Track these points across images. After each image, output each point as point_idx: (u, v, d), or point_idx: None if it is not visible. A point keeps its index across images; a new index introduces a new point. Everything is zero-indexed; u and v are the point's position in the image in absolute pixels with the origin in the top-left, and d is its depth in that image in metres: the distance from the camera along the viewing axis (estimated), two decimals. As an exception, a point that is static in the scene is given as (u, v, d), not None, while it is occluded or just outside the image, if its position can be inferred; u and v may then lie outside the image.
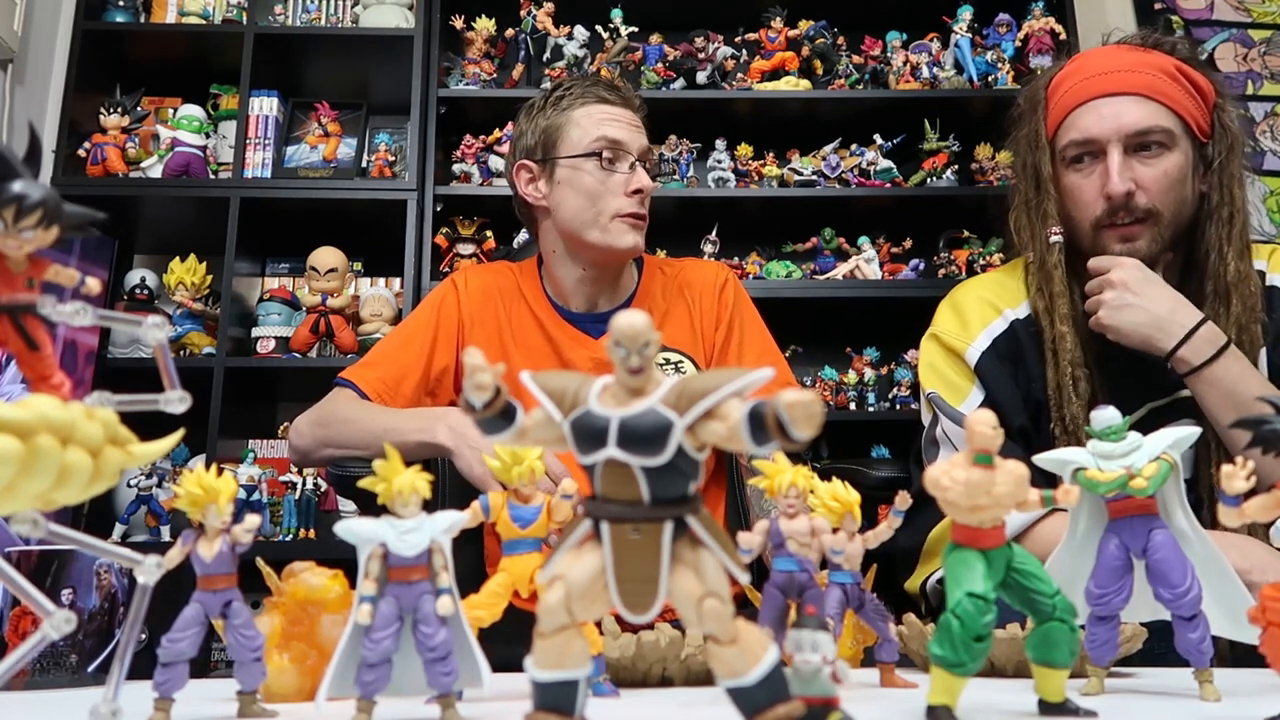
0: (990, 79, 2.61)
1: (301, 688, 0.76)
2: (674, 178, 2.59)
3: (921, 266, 2.63)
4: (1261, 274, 1.33)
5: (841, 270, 2.57)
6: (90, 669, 0.94)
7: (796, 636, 0.52)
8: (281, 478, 2.47)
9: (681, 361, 1.50)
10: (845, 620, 0.81)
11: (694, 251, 2.56)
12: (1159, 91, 1.28)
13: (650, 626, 0.74)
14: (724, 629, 0.45)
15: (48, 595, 0.55)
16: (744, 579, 0.47)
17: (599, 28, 2.60)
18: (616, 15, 2.59)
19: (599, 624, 0.79)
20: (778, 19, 2.65)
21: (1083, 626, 0.70)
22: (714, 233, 2.57)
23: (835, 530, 0.77)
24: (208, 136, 2.63)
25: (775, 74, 2.63)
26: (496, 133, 2.64)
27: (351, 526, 0.63)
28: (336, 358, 2.42)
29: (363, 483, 0.65)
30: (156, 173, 2.53)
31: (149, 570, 0.59)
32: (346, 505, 2.43)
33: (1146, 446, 0.72)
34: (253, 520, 0.67)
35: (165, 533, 2.32)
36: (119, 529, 2.31)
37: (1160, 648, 0.84)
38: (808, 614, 0.53)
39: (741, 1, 2.70)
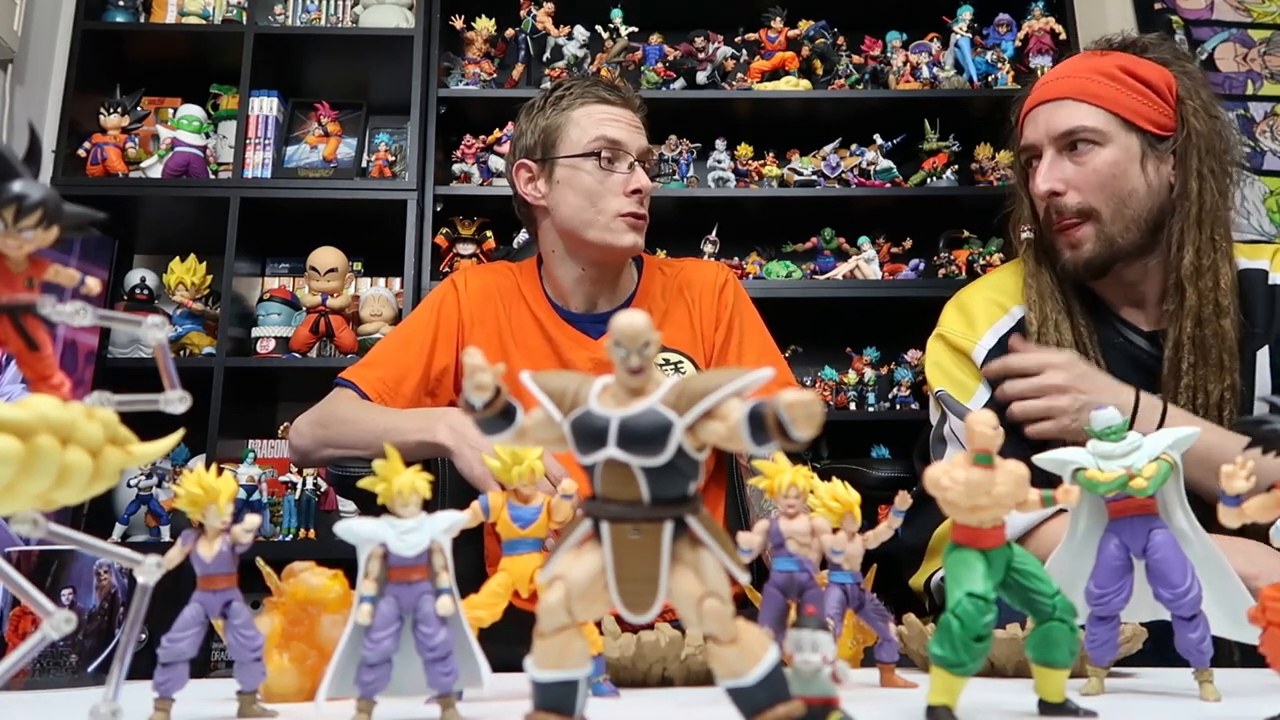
0: (990, 79, 2.61)
1: (301, 688, 0.76)
2: (674, 178, 2.59)
3: (921, 266, 2.63)
4: (1264, 273, 1.33)
5: (841, 270, 2.57)
6: (90, 669, 0.94)
7: (796, 636, 0.52)
8: (281, 478, 2.47)
9: (681, 362, 1.50)
10: (845, 620, 0.81)
11: (694, 251, 2.56)
12: (1089, 93, 1.31)
13: (650, 626, 0.74)
14: (724, 629, 0.45)
15: (48, 595, 0.55)
16: (744, 579, 0.47)
17: (599, 28, 2.60)
18: (616, 15, 2.59)
19: (599, 624, 0.79)
20: (778, 19, 2.65)
21: (1083, 626, 0.70)
22: (714, 233, 2.57)
23: (835, 530, 0.77)
24: (208, 136, 2.63)
25: (775, 74, 2.63)
26: (496, 133, 2.64)
27: (351, 526, 0.63)
28: (336, 358, 2.42)
29: (363, 483, 0.65)
30: (156, 173, 2.52)
31: (149, 570, 0.59)
32: (346, 505, 2.43)
33: (1146, 446, 0.72)
34: (253, 520, 0.67)
35: (165, 533, 2.32)
36: (119, 529, 2.31)
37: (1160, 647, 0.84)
38: (808, 614, 0.53)
39: (741, 1, 2.70)
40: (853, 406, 2.54)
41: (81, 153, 2.49)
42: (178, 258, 2.50)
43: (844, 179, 2.61)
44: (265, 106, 2.61)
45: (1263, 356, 1.28)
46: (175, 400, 0.57)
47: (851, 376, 2.57)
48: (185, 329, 2.45)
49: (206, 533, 0.66)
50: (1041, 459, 0.76)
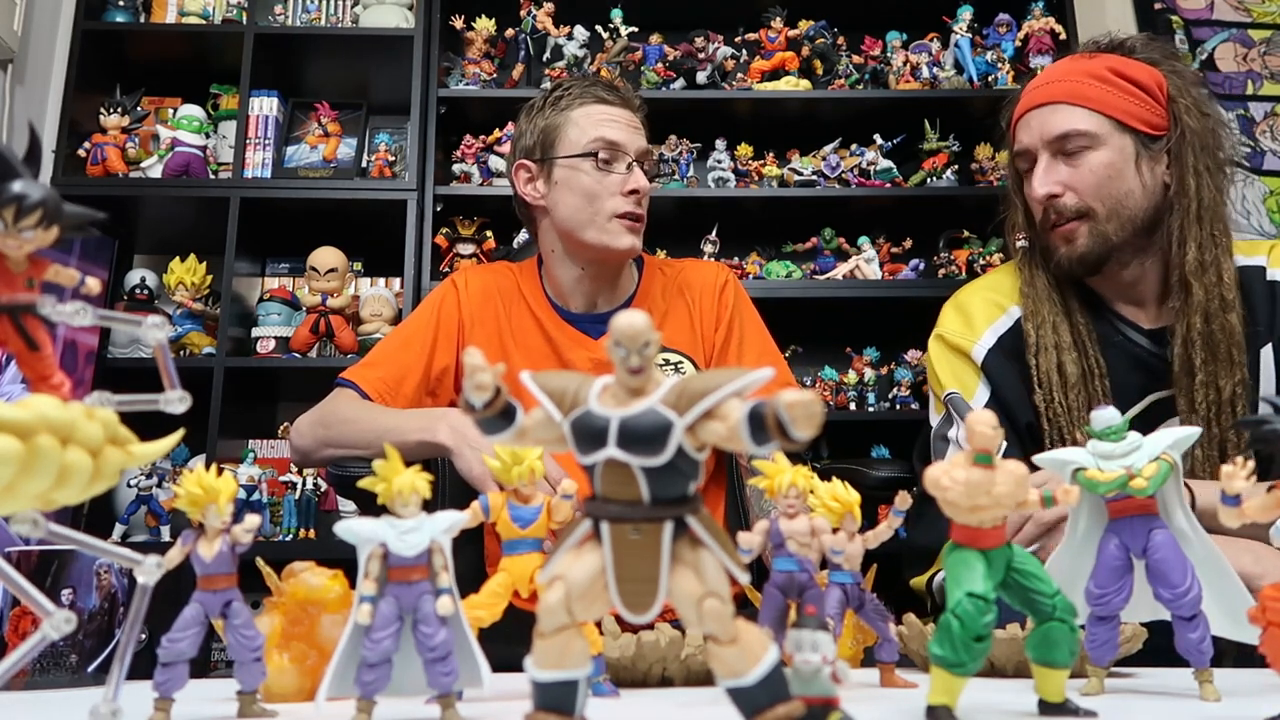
0: (990, 79, 2.61)
1: (301, 688, 0.76)
2: (674, 178, 2.59)
3: (921, 266, 2.63)
4: (1261, 269, 1.33)
5: (841, 270, 2.57)
6: (90, 669, 0.94)
7: (796, 636, 0.52)
8: (281, 478, 2.47)
9: (681, 362, 1.50)
10: (845, 620, 0.81)
11: (694, 251, 2.56)
12: (1081, 96, 1.32)
13: (650, 626, 0.74)
14: (724, 629, 0.45)
15: (48, 595, 0.55)
16: (744, 579, 0.47)
17: (599, 28, 2.60)
18: (616, 15, 2.59)
19: (599, 624, 0.79)
20: (778, 19, 2.65)
21: (1083, 626, 0.70)
22: (714, 233, 2.57)
23: (835, 530, 0.77)
24: (208, 136, 2.63)
25: (775, 74, 2.62)
26: (496, 133, 2.64)
27: (351, 526, 0.63)
28: (336, 358, 2.42)
29: (363, 483, 0.65)
30: (156, 173, 2.52)
31: (149, 570, 0.59)
32: (346, 505, 2.43)
33: (1146, 446, 0.72)
34: (253, 520, 0.67)
35: (165, 533, 2.32)
36: (119, 529, 2.31)
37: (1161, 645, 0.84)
38: (808, 614, 0.53)
39: (741, 1, 2.70)
40: (853, 406, 2.54)
41: (81, 153, 2.49)
42: (178, 258, 2.50)
43: (844, 179, 2.61)
44: (265, 106, 2.61)
45: (1267, 354, 1.29)
46: (175, 400, 0.57)
47: (851, 376, 2.57)
48: (185, 329, 2.45)
49: (206, 533, 0.66)
50: (1041, 459, 0.76)
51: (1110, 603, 0.72)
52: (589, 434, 0.46)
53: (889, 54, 2.70)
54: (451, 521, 0.63)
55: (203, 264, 2.50)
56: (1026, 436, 1.29)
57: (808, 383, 2.58)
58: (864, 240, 2.61)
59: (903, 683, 0.80)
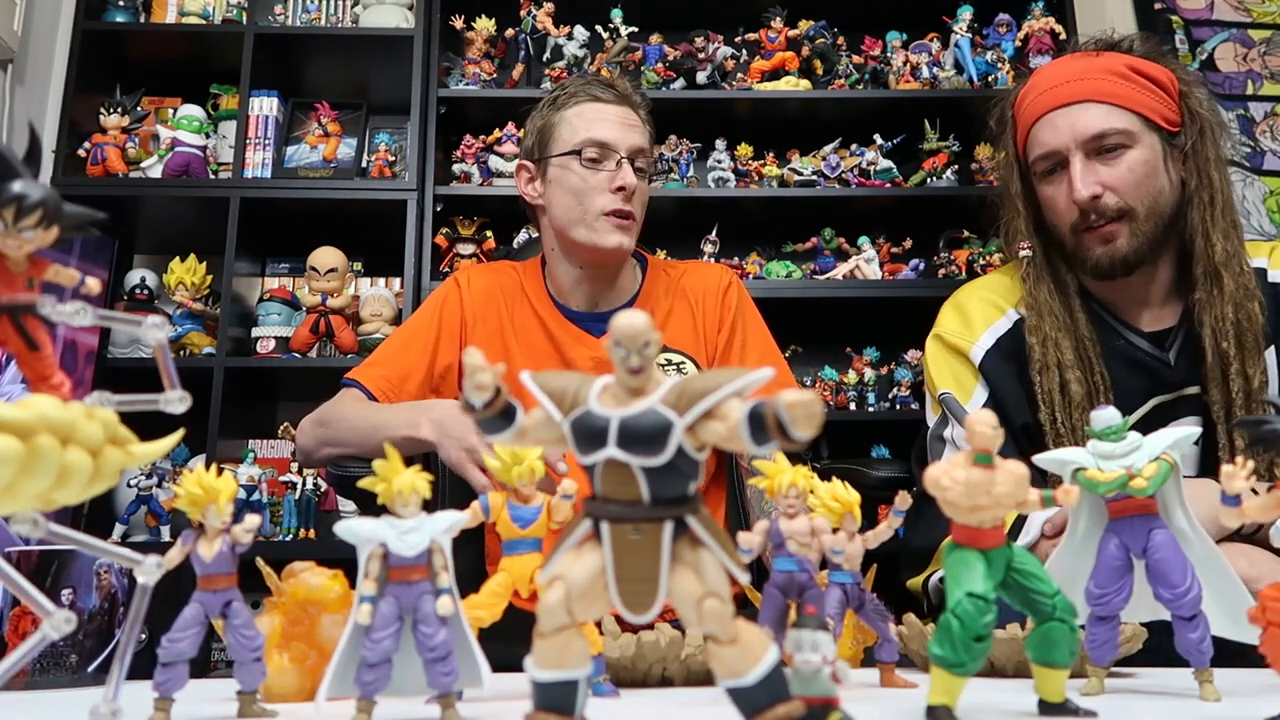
0: (990, 79, 2.61)
1: (301, 688, 0.76)
2: (674, 178, 2.59)
3: (921, 266, 2.63)
4: (1263, 271, 1.33)
5: (841, 270, 2.57)
6: (90, 669, 0.94)
7: (796, 636, 0.52)
8: (281, 478, 2.47)
9: (684, 363, 1.50)
10: (845, 620, 0.81)
11: (694, 251, 2.56)
12: (1109, 93, 1.30)
13: (650, 626, 0.74)
14: (724, 629, 0.45)
15: (48, 595, 0.55)
16: (744, 579, 0.47)
17: (599, 28, 2.60)
18: (616, 15, 2.59)
19: (599, 624, 0.79)
20: (778, 19, 2.65)
21: (1083, 626, 0.70)
22: (714, 233, 2.57)
23: (835, 530, 0.77)
24: (208, 136, 2.63)
25: (775, 74, 2.62)
26: (496, 133, 2.64)
27: (351, 526, 0.63)
28: (336, 358, 2.42)
29: (363, 483, 0.65)
30: (156, 173, 2.52)
31: (149, 570, 0.59)
32: (346, 505, 2.43)
33: (1146, 446, 0.72)
34: (253, 520, 0.67)
35: (165, 533, 2.32)
36: (119, 529, 2.31)
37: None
38: (808, 614, 0.53)
39: (741, 1, 2.70)
40: (853, 406, 2.54)
41: (81, 153, 2.49)
42: (178, 258, 2.50)
43: (844, 179, 2.61)
44: (265, 106, 2.61)
45: (1270, 356, 1.28)
46: (175, 400, 0.57)
47: (851, 376, 2.57)
48: (185, 329, 2.45)
49: (206, 533, 0.66)
50: (1042, 459, 0.76)
51: (1110, 603, 0.72)
52: (589, 434, 0.46)
53: (889, 54, 2.70)
54: (451, 521, 0.63)
55: (203, 264, 2.50)
56: (1023, 438, 1.28)
57: (808, 383, 2.58)
58: (864, 240, 2.61)
59: (903, 683, 0.80)
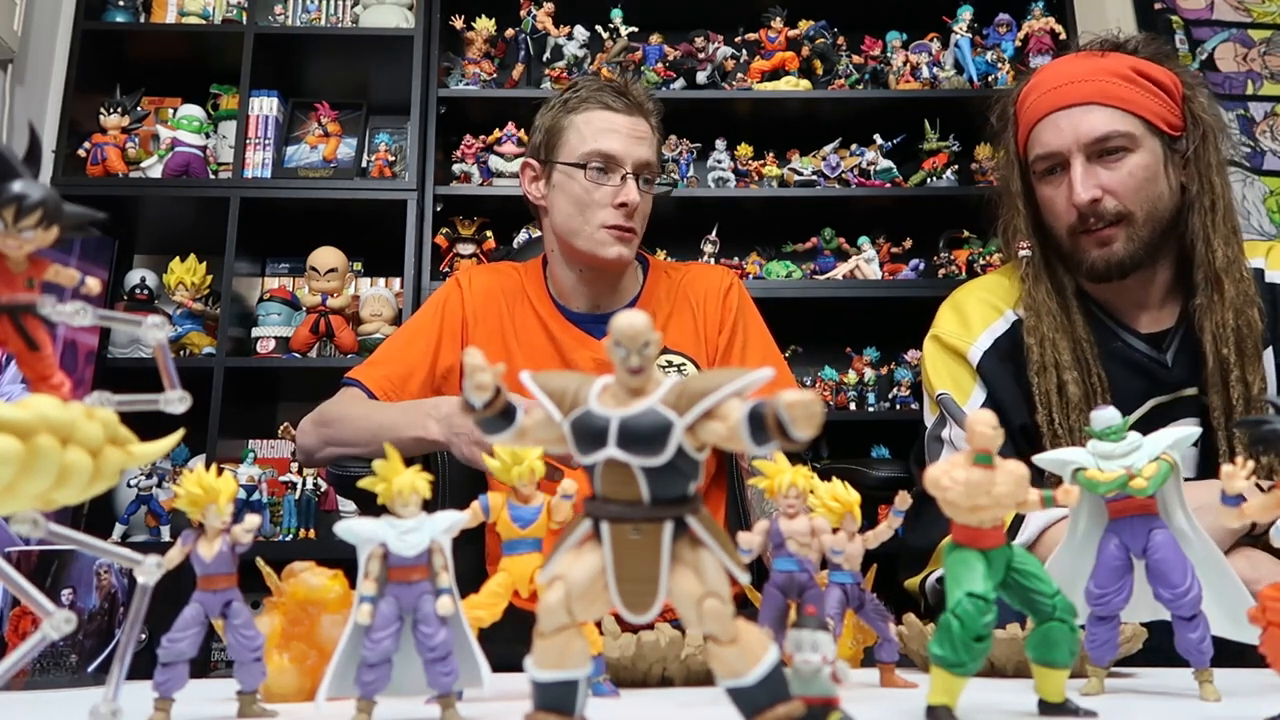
0: (990, 79, 2.61)
1: (301, 688, 0.76)
2: (675, 179, 2.59)
3: (921, 266, 2.63)
4: (1260, 271, 1.33)
5: (841, 270, 2.57)
6: (90, 669, 0.94)
7: (796, 636, 0.52)
8: (281, 478, 2.47)
9: (684, 364, 1.50)
10: (845, 620, 0.81)
11: (694, 251, 2.56)
12: (1113, 96, 1.29)
13: (650, 626, 0.74)
14: (724, 629, 0.45)
15: (48, 595, 0.55)
16: (744, 579, 0.47)
17: (599, 28, 2.60)
18: (616, 15, 2.59)
19: (599, 624, 0.79)
20: (778, 19, 2.65)
21: (1083, 626, 0.70)
22: (714, 233, 2.57)
23: (835, 530, 0.77)
24: (208, 136, 2.63)
25: (775, 74, 2.62)
26: (496, 133, 2.64)
27: (351, 526, 0.63)
28: (336, 358, 2.42)
29: (363, 483, 0.65)
30: (156, 173, 2.52)
31: (149, 570, 0.59)
32: (346, 505, 2.43)
33: (1146, 446, 0.72)
34: (253, 520, 0.67)
35: (165, 533, 2.32)
36: (119, 529, 2.31)
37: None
38: (808, 614, 0.53)
39: (741, 1, 2.70)
40: (853, 406, 2.54)
41: (81, 153, 2.49)
42: (178, 258, 2.50)
43: (844, 179, 2.61)
44: (265, 106, 2.61)
45: (1268, 357, 1.28)
46: (175, 400, 0.57)
47: (851, 376, 2.57)
48: (185, 329, 2.45)
49: (206, 533, 0.66)
50: (1042, 459, 0.76)
51: (1110, 603, 0.72)
52: (589, 434, 0.46)
53: (889, 54, 2.70)
54: (451, 521, 0.63)
55: (203, 264, 2.50)
56: (1021, 439, 1.28)
57: (808, 383, 2.58)
58: (864, 240, 2.61)
59: (903, 683, 0.80)
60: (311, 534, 2.40)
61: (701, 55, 2.62)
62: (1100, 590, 0.72)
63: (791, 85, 2.59)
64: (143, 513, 2.33)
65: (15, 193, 0.50)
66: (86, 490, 0.50)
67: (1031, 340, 1.31)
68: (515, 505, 0.76)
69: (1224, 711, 0.65)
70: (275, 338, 2.46)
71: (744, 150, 2.65)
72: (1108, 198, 1.28)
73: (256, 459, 2.45)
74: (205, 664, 1.59)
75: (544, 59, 2.64)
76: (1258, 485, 0.61)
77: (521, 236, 2.53)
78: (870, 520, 0.81)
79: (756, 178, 2.63)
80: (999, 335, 1.36)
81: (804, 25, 2.67)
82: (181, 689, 0.64)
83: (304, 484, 2.43)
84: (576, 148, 1.47)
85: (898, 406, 2.52)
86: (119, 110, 2.52)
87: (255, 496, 2.35)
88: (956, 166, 2.63)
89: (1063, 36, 2.58)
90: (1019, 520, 1.15)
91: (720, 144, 2.63)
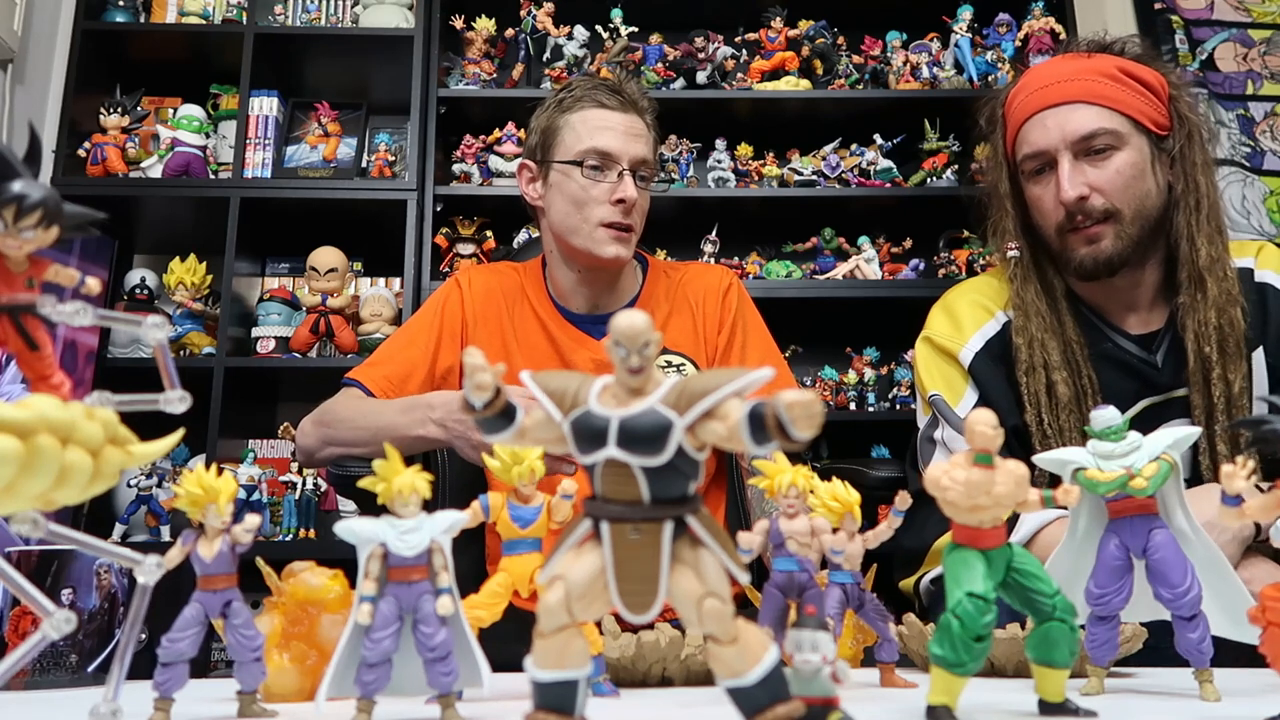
0: (990, 79, 2.61)
1: (301, 688, 0.76)
2: (674, 178, 2.59)
3: (921, 266, 2.63)
4: (1249, 271, 1.33)
5: (841, 270, 2.57)
6: (90, 669, 0.94)
7: (796, 636, 0.52)
8: (281, 478, 2.47)
9: (684, 364, 1.50)
10: (845, 620, 0.81)
11: (694, 251, 2.56)
12: (1099, 95, 1.30)
13: (650, 626, 0.74)
14: (724, 629, 0.45)
15: (48, 595, 0.55)
16: (744, 579, 0.47)
17: (599, 28, 2.60)
18: (616, 15, 2.59)
19: (599, 624, 0.79)
20: (778, 19, 2.65)
21: (1083, 626, 0.70)
22: (714, 233, 2.57)
23: (835, 530, 0.77)
24: (208, 136, 2.63)
25: (775, 74, 2.62)
26: (496, 133, 2.64)
27: (351, 526, 0.63)
28: (336, 358, 2.42)
29: (363, 483, 0.65)
30: (156, 173, 2.52)
31: (149, 570, 0.59)
32: (346, 505, 2.43)
33: (1146, 446, 0.72)
34: (253, 520, 0.67)
35: (165, 533, 2.32)
36: (119, 529, 2.31)
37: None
38: (808, 614, 0.53)
39: (741, 1, 2.70)
40: (853, 406, 2.54)
41: (81, 153, 2.49)
42: (178, 258, 2.50)
43: (844, 179, 2.61)
44: (265, 106, 2.61)
45: (1259, 357, 1.28)
46: (175, 400, 0.57)
47: (851, 376, 2.57)
48: (185, 329, 2.45)
49: (206, 533, 0.66)
50: (1041, 459, 0.76)
51: (1110, 603, 0.72)
52: (589, 434, 0.46)
53: (889, 54, 2.70)
54: (451, 521, 0.63)
55: (203, 264, 2.50)
56: (1014, 439, 1.28)
57: (808, 383, 2.58)
58: (864, 240, 2.61)
59: (903, 683, 0.80)
60: (311, 534, 2.41)
61: (701, 55, 2.62)
62: (1100, 590, 0.72)
63: (791, 85, 2.59)
64: (143, 513, 2.33)
65: (15, 193, 0.50)
66: (86, 490, 0.50)
67: (1020, 341, 1.32)
68: (515, 505, 0.76)
69: (1224, 711, 0.65)
70: (275, 338, 2.46)
71: (744, 150, 2.65)
72: (1095, 195, 1.29)
73: (256, 459, 2.45)
74: (205, 664, 1.59)
75: (544, 59, 2.64)
76: (1257, 486, 0.61)
77: (521, 236, 2.53)
78: (870, 520, 0.81)
79: (756, 178, 2.63)
80: (990, 337, 1.36)
81: (804, 25, 2.67)
82: (181, 689, 0.64)
83: (304, 484, 2.43)
84: (572, 146, 1.47)
85: (898, 406, 2.52)
86: (119, 110, 2.52)
87: (255, 496, 2.35)
88: (956, 166, 2.63)
89: (1063, 36, 2.57)
90: (1013, 520, 1.15)
91: (720, 144, 2.63)
